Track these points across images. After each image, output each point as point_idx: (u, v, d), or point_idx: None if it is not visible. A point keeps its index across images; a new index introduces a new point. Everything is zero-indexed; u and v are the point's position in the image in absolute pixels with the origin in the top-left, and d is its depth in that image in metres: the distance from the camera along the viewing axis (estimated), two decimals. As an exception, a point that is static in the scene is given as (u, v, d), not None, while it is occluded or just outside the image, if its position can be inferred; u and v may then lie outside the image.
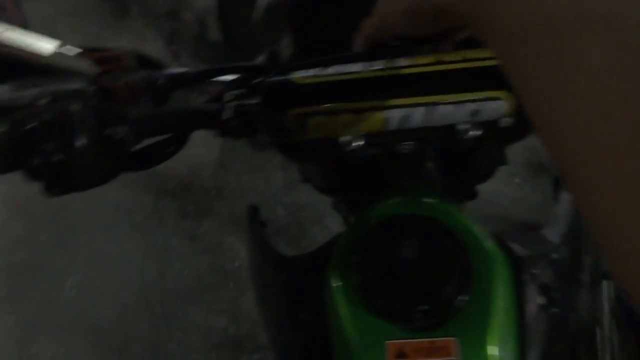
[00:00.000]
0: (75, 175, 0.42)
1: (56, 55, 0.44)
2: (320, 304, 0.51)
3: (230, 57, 2.23)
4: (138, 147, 0.46)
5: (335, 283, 0.48)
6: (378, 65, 0.42)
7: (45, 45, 0.44)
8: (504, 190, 1.69)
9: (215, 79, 0.53)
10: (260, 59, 0.61)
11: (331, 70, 0.43)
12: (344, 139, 0.44)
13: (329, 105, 0.42)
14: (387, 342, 0.42)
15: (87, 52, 0.47)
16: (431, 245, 0.46)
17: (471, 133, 0.42)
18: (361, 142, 0.44)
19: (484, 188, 0.68)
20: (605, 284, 0.94)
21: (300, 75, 0.43)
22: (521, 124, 0.42)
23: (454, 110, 0.41)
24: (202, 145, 1.85)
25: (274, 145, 0.48)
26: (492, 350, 0.42)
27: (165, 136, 0.48)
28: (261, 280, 0.63)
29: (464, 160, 0.66)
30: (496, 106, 0.41)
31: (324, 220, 1.85)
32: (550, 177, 1.34)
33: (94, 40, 2.16)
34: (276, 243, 1.78)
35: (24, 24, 1.85)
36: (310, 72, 0.43)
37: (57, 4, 2.30)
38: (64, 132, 0.40)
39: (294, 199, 1.92)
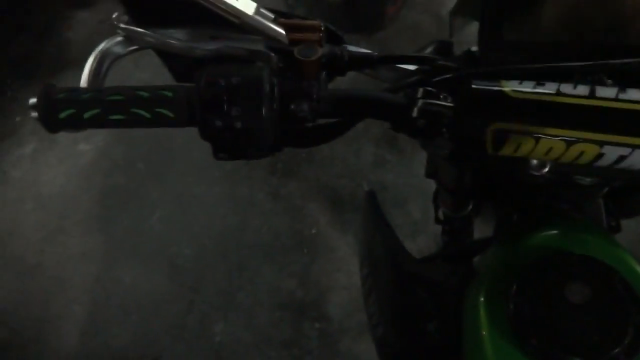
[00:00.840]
0: (249, 144, 0.41)
1: (254, 17, 0.42)
2: (455, 320, 0.48)
3: (347, 21, 2.17)
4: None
5: (483, 305, 0.44)
6: (605, 93, 0.37)
7: (245, 5, 0.42)
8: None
9: (398, 65, 0.50)
10: (429, 49, 0.56)
11: (549, 88, 0.38)
12: (535, 162, 0.40)
13: (542, 127, 0.38)
14: None
15: (282, 17, 0.44)
16: (604, 293, 0.41)
17: None
18: (547, 168, 0.40)
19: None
20: None
21: (513, 87, 0.39)
22: None
23: None
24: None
25: (454, 153, 0.44)
26: None
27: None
28: (384, 277, 0.60)
29: (622, 194, 0.60)
30: None
31: (406, 205, 1.81)
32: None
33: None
34: (354, 219, 1.75)
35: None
36: (525, 85, 0.38)
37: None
38: (253, 100, 0.39)
39: (380, 178, 1.88)
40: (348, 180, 1.85)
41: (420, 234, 1.70)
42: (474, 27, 0.55)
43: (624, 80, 0.38)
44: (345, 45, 0.49)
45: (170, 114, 0.40)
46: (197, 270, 1.55)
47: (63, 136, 1.69)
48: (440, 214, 1.01)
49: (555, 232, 0.49)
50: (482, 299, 0.44)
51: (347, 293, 1.59)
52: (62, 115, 0.40)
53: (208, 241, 1.60)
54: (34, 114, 0.40)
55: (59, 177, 1.62)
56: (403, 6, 2.27)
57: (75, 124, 0.40)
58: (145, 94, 0.40)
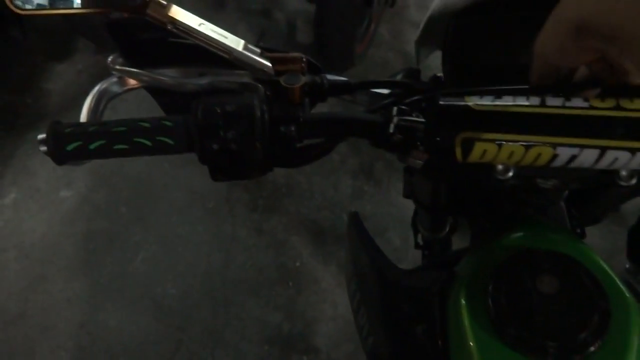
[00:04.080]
0: (242, 164, 0.45)
1: (243, 52, 0.48)
2: (441, 321, 0.51)
3: (318, 60, 2.26)
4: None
5: (463, 304, 0.48)
6: (553, 102, 0.43)
7: (234, 42, 0.47)
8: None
9: (373, 90, 0.55)
10: (399, 76, 0.62)
11: (506, 100, 0.44)
12: (500, 167, 0.45)
13: (503, 134, 0.43)
14: None
15: (266, 51, 0.50)
16: (571, 283, 0.46)
17: (631, 181, 0.42)
18: (511, 173, 0.45)
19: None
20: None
21: (476, 101, 0.44)
22: None
23: (627, 157, 0.41)
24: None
25: (427, 163, 0.49)
26: None
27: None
28: (372, 289, 0.64)
29: (584, 201, 0.65)
30: None
31: (385, 234, 1.85)
32: (625, 227, 1.29)
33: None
34: (337, 250, 1.78)
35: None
36: (486, 99, 0.44)
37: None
38: (246, 124, 0.43)
39: (359, 208, 1.93)
40: (328, 213, 1.90)
41: (402, 261, 1.74)
42: (437, 55, 0.62)
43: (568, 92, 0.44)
44: (324, 74, 0.55)
45: (171, 142, 0.44)
46: (183, 309, 1.55)
47: (44, 184, 1.70)
48: (420, 239, 1.06)
49: (523, 233, 0.54)
50: (463, 299, 0.48)
51: (334, 324, 1.60)
52: (70, 147, 0.43)
53: (193, 280, 1.61)
54: (43, 148, 0.44)
55: (41, 224, 1.62)
56: (370, 45, 2.38)
57: (82, 155, 0.44)
58: (146, 125, 0.44)
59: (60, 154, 0.44)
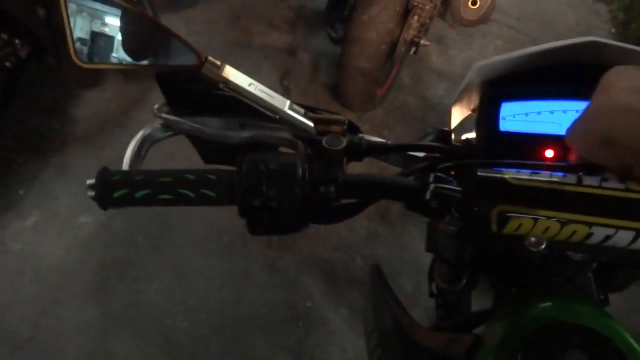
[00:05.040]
0: (281, 220, 0.46)
1: (288, 112, 0.50)
2: None
3: (339, 102, 2.31)
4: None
5: None
6: (590, 181, 0.43)
7: (280, 102, 0.50)
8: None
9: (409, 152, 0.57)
10: (430, 137, 0.64)
11: (543, 176, 0.45)
12: (533, 240, 0.45)
13: (539, 210, 0.44)
14: None
15: (310, 111, 0.52)
16: (600, 359, 0.46)
17: None
18: (544, 245, 0.45)
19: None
20: None
21: (513, 175, 0.45)
22: None
23: None
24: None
25: (463, 231, 0.50)
26: None
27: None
28: (394, 347, 0.64)
29: (608, 270, 0.65)
30: None
31: (398, 279, 1.84)
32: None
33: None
34: (348, 292, 1.77)
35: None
36: (523, 174, 0.45)
37: (190, 25, 2.49)
38: (288, 184, 0.44)
39: (372, 251, 1.93)
40: (342, 254, 1.90)
41: (414, 307, 1.72)
42: (469, 118, 0.63)
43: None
44: (362, 135, 0.56)
45: (213, 194, 0.45)
46: (192, 343, 1.54)
47: (65, 208, 1.72)
48: (434, 287, 1.05)
49: (551, 304, 0.54)
50: None
51: (341, 369, 1.58)
52: (116, 194, 0.45)
53: (204, 314, 1.61)
54: (91, 193, 0.45)
55: (58, 249, 1.63)
56: (391, 89, 2.43)
57: (127, 203, 0.45)
58: (191, 177, 0.45)
59: (107, 200, 0.45)
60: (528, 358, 0.46)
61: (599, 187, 0.43)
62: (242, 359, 1.55)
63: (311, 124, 0.51)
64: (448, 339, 0.60)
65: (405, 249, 1.94)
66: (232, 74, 0.49)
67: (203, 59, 0.48)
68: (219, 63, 0.48)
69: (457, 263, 0.77)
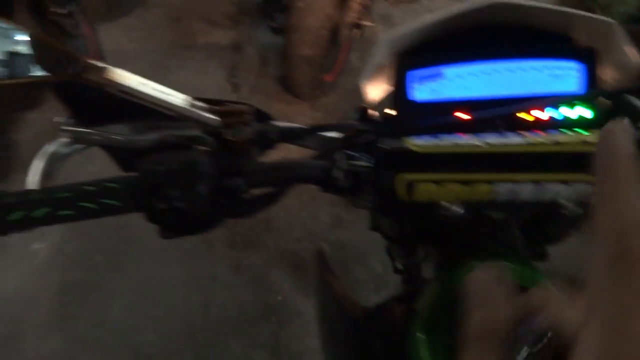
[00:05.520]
0: (191, 220, 0.45)
1: (188, 108, 0.48)
2: (403, 356, 0.51)
3: (290, 91, 2.29)
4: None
5: (423, 338, 0.49)
6: (490, 140, 0.43)
7: (178, 99, 0.48)
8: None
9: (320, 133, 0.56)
10: (348, 117, 0.63)
11: (445, 141, 0.44)
12: (445, 204, 0.46)
13: (442, 174, 0.44)
14: None
15: (215, 104, 0.50)
16: None
17: (573, 210, 0.43)
18: (458, 208, 0.46)
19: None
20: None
21: (416, 142, 0.45)
22: None
23: (563, 189, 0.42)
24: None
25: (376, 204, 0.49)
26: None
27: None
28: (336, 327, 0.63)
29: (540, 224, 0.66)
30: None
31: (366, 260, 1.84)
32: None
33: (159, 68, 2.27)
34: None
35: (99, 50, 1.96)
36: (425, 140, 0.45)
37: (128, 33, 2.43)
38: (189, 181, 0.43)
39: (338, 237, 1.93)
40: (308, 243, 1.89)
41: (385, 286, 1.73)
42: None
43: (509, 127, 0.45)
44: (272, 121, 0.55)
45: (117, 203, 0.43)
46: (164, 356, 1.52)
47: (14, 238, 1.67)
48: (397, 264, 1.06)
49: (476, 264, 0.54)
50: (420, 334, 0.49)
51: (320, 356, 1.58)
52: (12, 217, 0.42)
53: (173, 324, 1.58)
54: None
55: (12, 280, 1.58)
56: (341, 73, 2.41)
57: (26, 225, 0.42)
58: (92, 188, 0.43)
59: (1, 225, 0.43)
60: (454, 317, 0.47)
61: (499, 144, 0.43)
62: (218, 363, 1.53)
63: (214, 118, 0.49)
64: (385, 313, 0.60)
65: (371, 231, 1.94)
66: (118, 75, 0.47)
67: (83, 64, 0.46)
68: (101, 65, 0.46)
69: (399, 237, 0.77)
